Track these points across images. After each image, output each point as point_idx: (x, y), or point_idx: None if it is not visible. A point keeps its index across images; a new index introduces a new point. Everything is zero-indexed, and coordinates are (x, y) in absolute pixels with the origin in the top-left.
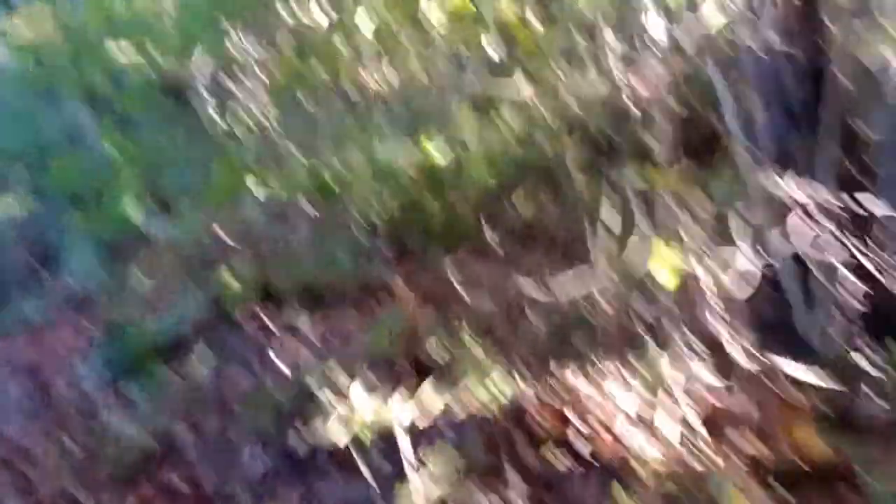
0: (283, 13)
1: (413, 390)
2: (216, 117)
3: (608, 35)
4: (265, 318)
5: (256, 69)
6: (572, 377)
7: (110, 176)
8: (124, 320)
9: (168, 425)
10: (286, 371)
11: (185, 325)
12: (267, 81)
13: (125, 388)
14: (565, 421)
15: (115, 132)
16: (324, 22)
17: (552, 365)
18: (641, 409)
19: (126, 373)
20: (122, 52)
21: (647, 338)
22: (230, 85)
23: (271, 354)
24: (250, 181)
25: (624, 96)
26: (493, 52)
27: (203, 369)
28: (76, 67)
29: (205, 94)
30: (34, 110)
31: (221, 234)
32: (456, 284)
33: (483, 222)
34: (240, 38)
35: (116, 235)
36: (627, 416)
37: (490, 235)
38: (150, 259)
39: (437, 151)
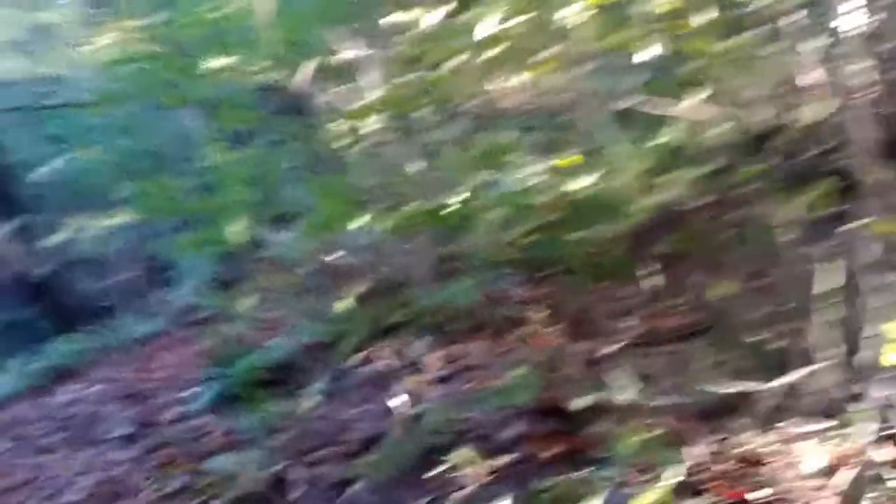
0: (397, 18)
1: (551, 449)
2: (325, 133)
3: (796, 29)
4: (384, 351)
5: (366, 80)
6: (751, 438)
7: (220, 191)
8: (234, 346)
9: (279, 466)
10: (407, 413)
11: (298, 354)
12: (379, 93)
13: (234, 421)
14: (743, 489)
15: (225, 146)
16: (443, 25)
17: (723, 423)
18: (837, 477)
19: (235, 404)
20: (224, 61)
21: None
22: (338, 98)
23: (390, 393)
24: (365, 209)
25: (817, 109)
26: (651, 53)
27: (317, 405)
28: (181, 78)
29: (312, 107)
30: (142, 123)
31: (336, 258)
32: (602, 323)
33: (636, 257)
34: (348, 46)
35: (227, 254)
36: (821, 483)
37: (644, 272)
38: (261, 281)
39: (579, 175)
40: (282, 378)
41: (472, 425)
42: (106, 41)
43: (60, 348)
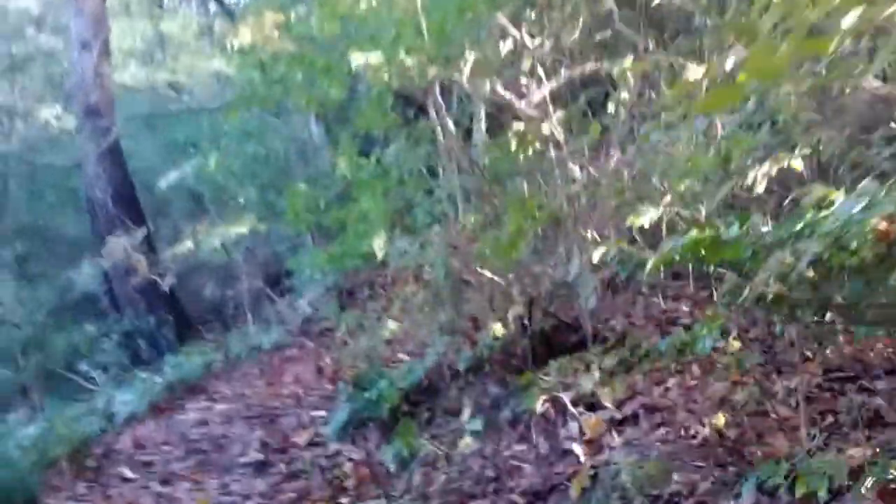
0: None
1: None
2: (477, 135)
3: None
4: (548, 381)
5: (541, 71)
6: None
7: (347, 200)
8: (365, 364)
9: None
10: (587, 463)
11: (440, 377)
12: (554, 85)
13: (372, 451)
14: None
15: (352, 151)
16: None
17: None
18: None
19: (371, 429)
20: (362, 60)
21: None
22: (503, 94)
23: (560, 433)
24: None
25: None
26: None
27: (472, 442)
28: (308, 79)
29: (443, 109)
30: (265, 128)
31: (489, 273)
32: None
33: None
34: (517, 35)
35: (355, 263)
36: None
37: None
38: (388, 293)
39: None
40: (423, 403)
41: (685, 489)
42: (243, 41)
43: (185, 361)
